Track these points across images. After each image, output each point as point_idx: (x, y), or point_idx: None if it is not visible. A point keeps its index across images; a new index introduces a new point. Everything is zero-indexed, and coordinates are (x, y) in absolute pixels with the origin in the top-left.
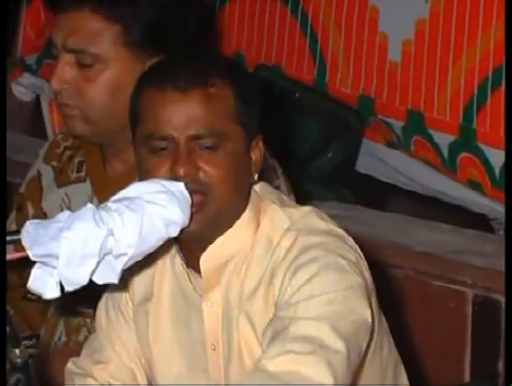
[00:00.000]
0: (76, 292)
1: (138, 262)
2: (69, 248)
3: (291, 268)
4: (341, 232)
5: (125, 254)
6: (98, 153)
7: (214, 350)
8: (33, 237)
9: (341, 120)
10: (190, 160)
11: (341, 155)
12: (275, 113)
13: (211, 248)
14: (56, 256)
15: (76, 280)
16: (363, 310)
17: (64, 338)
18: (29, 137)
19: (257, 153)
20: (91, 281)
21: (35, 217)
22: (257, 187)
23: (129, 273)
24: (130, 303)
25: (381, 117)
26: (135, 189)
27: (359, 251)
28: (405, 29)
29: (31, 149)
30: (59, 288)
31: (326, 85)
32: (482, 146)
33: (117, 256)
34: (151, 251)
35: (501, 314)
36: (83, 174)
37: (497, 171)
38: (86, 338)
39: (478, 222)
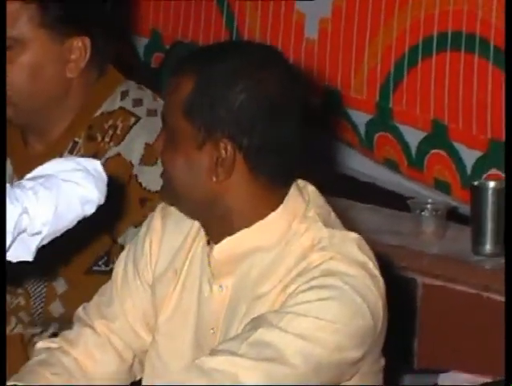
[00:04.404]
0: None
1: (169, 229)
2: None
3: (306, 284)
4: (375, 271)
5: (39, 232)
6: (19, 134)
7: (213, 334)
8: None
9: None
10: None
11: None
12: None
13: (219, 246)
14: None
15: None
16: (350, 353)
17: None
18: None
19: (214, 153)
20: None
21: None
22: (308, 194)
23: (157, 240)
24: (149, 269)
25: None
26: (51, 167)
27: (384, 296)
28: (322, 7)
29: None
30: None
31: None
32: (399, 125)
33: (32, 235)
34: (67, 229)
35: (416, 292)
36: None
37: (413, 150)
38: None
39: (395, 201)
